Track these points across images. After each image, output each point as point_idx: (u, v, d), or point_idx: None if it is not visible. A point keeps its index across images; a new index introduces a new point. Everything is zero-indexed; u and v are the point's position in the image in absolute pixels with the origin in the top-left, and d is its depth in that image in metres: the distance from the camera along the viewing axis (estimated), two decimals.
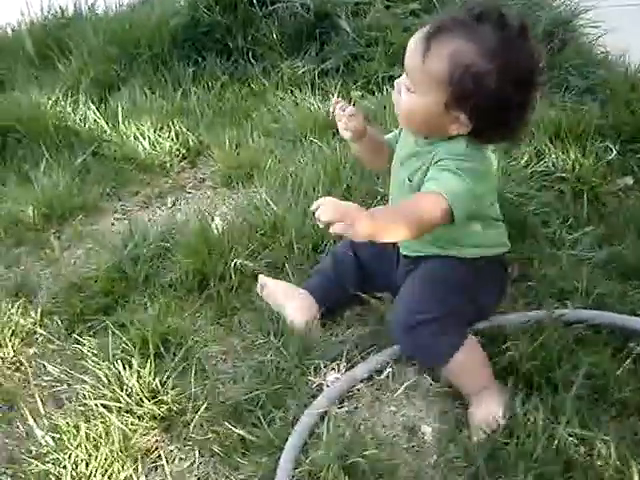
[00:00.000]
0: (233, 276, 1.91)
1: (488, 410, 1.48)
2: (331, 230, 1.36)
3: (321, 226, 1.37)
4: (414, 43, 1.48)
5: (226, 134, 2.70)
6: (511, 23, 1.44)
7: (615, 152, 2.24)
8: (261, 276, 1.82)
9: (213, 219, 2.11)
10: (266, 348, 1.71)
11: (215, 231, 2.03)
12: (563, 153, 2.24)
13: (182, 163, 2.68)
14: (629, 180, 2.20)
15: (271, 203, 2.19)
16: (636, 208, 2.09)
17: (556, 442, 1.41)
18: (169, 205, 2.46)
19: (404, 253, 1.72)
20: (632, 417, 1.50)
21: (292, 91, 2.93)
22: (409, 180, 1.59)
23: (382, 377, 1.64)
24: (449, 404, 1.58)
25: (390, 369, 1.65)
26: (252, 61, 3.13)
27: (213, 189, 2.52)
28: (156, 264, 2.02)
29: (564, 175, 2.19)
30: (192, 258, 1.95)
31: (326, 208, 1.35)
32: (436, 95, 1.45)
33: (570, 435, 1.42)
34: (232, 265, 1.91)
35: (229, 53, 3.20)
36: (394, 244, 1.73)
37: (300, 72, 3.02)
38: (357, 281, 1.77)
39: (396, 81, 1.56)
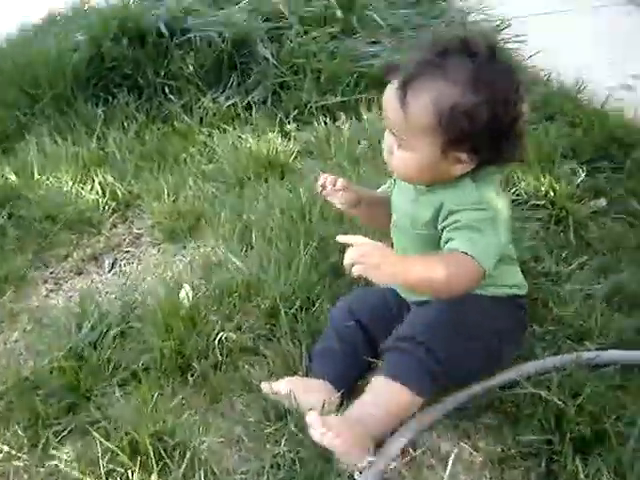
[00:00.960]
0: (218, 353, 1.68)
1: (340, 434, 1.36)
2: (353, 271, 1.28)
3: (347, 270, 1.30)
4: (390, 100, 1.40)
5: (158, 181, 2.46)
6: (479, 48, 1.36)
7: (584, 173, 2.18)
8: (263, 384, 1.57)
9: (181, 287, 1.85)
10: (278, 436, 1.49)
11: (186, 301, 1.78)
12: (533, 178, 2.16)
13: (112, 218, 2.39)
14: (602, 202, 2.14)
15: (235, 260, 1.97)
16: (619, 231, 2.04)
17: None
18: (107, 268, 2.18)
19: (413, 299, 1.58)
20: None
21: (221, 128, 2.71)
22: (414, 228, 1.50)
23: (417, 453, 1.47)
24: (497, 474, 1.43)
25: (424, 442, 1.49)
26: (170, 97, 2.88)
27: (155, 246, 2.26)
28: (121, 346, 1.74)
29: (539, 202, 2.10)
30: (166, 337, 1.69)
31: (351, 250, 1.29)
32: (430, 144, 1.38)
33: None
34: (216, 340, 1.68)
35: (141, 89, 2.92)
36: (398, 294, 1.63)
37: (225, 106, 2.80)
38: (369, 350, 1.59)
39: (383, 144, 1.48)
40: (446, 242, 1.38)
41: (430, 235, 1.46)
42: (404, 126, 1.37)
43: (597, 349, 1.62)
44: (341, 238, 1.34)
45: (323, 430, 1.35)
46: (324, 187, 1.61)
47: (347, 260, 1.28)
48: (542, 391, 1.47)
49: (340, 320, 1.63)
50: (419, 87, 1.35)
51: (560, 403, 1.44)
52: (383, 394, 1.45)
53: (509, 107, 1.35)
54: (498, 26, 3.06)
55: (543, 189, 2.12)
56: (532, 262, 1.90)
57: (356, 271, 1.27)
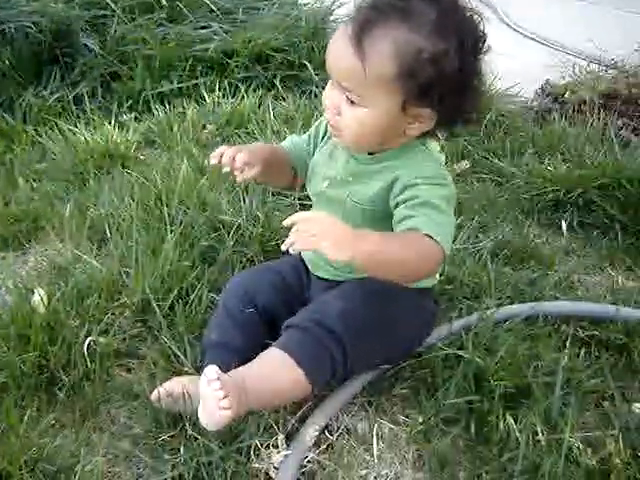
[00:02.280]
0: (88, 361, 1.43)
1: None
2: (300, 246, 1.09)
3: (288, 247, 1.10)
4: (340, 48, 1.19)
5: None
6: None
7: (442, 139, 2.14)
8: (153, 393, 1.32)
9: (32, 292, 1.58)
10: (174, 443, 1.29)
11: (40, 307, 1.52)
12: None
13: None
14: (465, 163, 2.13)
15: (88, 258, 1.73)
16: (487, 190, 2.02)
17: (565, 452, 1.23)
18: None
19: (323, 276, 1.42)
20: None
21: (49, 123, 2.42)
22: (357, 202, 1.31)
23: (334, 437, 1.33)
24: (424, 446, 1.31)
25: (340, 426, 1.34)
26: None
27: None
28: None
29: None
30: (23, 349, 1.42)
31: (303, 224, 1.11)
32: (389, 99, 1.19)
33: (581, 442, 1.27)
34: (85, 347, 1.44)
35: None
36: (303, 267, 1.47)
37: (51, 101, 2.51)
38: (271, 334, 1.39)
39: (327, 99, 1.26)
40: (402, 219, 1.21)
41: (375, 210, 1.29)
42: (359, 78, 1.16)
43: (497, 305, 1.57)
44: (287, 222, 1.12)
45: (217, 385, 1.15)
46: (228, 165, 1.31)
47: (293, 235, 1.09)
48: (460, 351, 1.38)
49: (236, 305, 1.42)
50: (378, 33, 1.15)
51: (480, 361, 1.35)
52: (275, 368, 1.27)
53: (477, 57, 1.21)
54: (331, 5, 3.00)
55: None
56: None
57: (305, 245, 1.09)
